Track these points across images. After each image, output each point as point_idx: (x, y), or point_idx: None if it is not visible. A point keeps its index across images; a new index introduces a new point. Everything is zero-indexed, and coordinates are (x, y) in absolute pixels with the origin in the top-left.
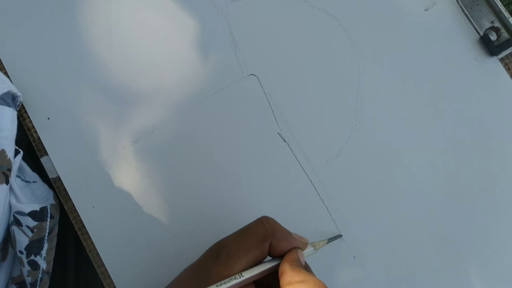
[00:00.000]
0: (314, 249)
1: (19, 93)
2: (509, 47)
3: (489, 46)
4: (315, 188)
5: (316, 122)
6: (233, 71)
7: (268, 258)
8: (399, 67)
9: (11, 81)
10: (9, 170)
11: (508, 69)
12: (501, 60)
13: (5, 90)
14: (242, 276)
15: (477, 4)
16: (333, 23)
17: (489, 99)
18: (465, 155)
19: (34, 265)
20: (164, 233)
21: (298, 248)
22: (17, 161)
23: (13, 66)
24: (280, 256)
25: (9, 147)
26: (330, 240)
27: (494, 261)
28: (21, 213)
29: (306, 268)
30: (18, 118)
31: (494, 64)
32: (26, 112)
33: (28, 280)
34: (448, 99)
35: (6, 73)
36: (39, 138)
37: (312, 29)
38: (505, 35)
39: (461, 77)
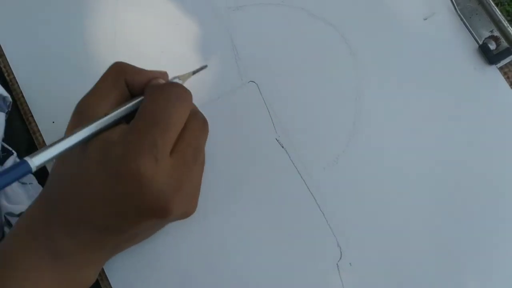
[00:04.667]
0: (179, 79)
1: (6, 94)
2: (508, 56)
3: (488, 55)
4: (311, 194)
5: (314, 129)
6: (233, 78)
7: None
8: (398, 75)
9: (19, 85)
10: None
11: (507, 78)
12: (500, 69)
13: None
14: (106, 114)
15: (477, 14)
16: (332, 32)
17: (488, 107)
18: (464, 163)
19: None
20: (160, 235)
21: (157, 78)
22: (9, 162)
23: (21, 71)
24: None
25: None
26: (195, 71)
27: (495, 273)
28: (11, 214)
29: None
30: (24, 121)
31: (493, 73)
32: (32, 116)
33: None
34: (447, 108)
35: (14, 78)
36: (44, 141)
37: (311, 37)
38: (504, 44)
39: (460, 86)
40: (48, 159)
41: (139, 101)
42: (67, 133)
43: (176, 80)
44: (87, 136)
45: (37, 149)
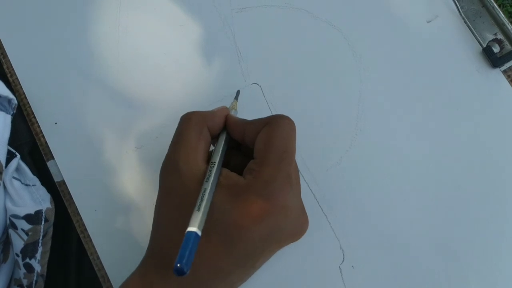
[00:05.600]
0: (236, 110)
1: (12, 96)
2: None
3: (492, 58)
4: (314, 196)
5: (317, 131)
6: (236, 80)
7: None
8: (401, 78)
9: (21, 87)
10: (0, 173)
11: (511, 81)
12: (504, 72)
13: None
14: (214, 163)
15: (480, 16)
16: (336, 34)
17: (492, 110)
18: (467, 166)
19: (29, 268)
20: None
21: (228, 114)
22: (13, 164)
23: (24, 73)
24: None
25: (0, 150)
26: (236, 97)
27: (498, 275)
28: (16, 216)
29: None
30: (27, 122)
31: (497, 75)
32: (34, 117)
33: (25, 282)
34: (450, 110)
35: (17, 79)
36: (46, 142)
37: (314, 39)
38: (508, 47)
39: (464, 88)
40: (204, 222)
41: (226, 140)
42: (164, 193)
43: (233, 112)
44: (213, 191)
45: (40, 151)
